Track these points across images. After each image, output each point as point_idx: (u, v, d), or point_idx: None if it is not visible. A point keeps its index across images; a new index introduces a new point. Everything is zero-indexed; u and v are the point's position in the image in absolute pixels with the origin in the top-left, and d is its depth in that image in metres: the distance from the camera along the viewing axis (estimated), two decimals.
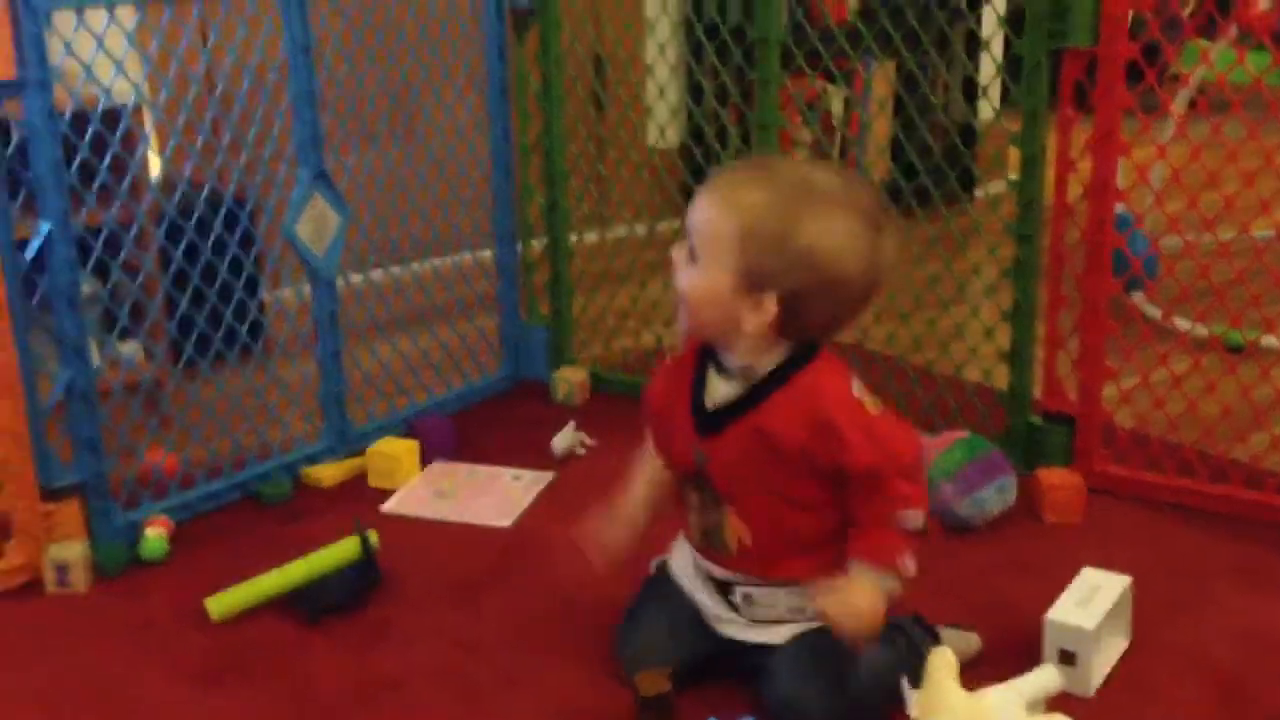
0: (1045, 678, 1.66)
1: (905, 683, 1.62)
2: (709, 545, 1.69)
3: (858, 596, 1.57)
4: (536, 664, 1.82)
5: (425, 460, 2.42)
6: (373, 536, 2.03)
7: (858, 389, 1.59)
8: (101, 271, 2.23)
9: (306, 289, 2.41)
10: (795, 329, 1.56)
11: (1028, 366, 2.35)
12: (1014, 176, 2.27)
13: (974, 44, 4.00)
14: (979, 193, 3.97)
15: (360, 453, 2.41)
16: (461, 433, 2.52)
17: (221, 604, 1.93)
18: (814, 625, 1.66)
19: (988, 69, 4.03)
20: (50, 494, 2.04)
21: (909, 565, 1.59)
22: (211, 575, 2.01)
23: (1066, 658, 1.74)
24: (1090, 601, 1.79)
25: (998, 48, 2.37)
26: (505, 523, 2.22)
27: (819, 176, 1.57)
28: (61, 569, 2.00)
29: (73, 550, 2.01)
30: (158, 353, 2.48)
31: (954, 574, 2.04)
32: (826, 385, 1.57)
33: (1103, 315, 2.25)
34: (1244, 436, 2.34)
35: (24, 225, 2.01)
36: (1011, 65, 2.27)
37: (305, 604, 1.94)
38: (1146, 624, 1.86)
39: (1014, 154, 2.27)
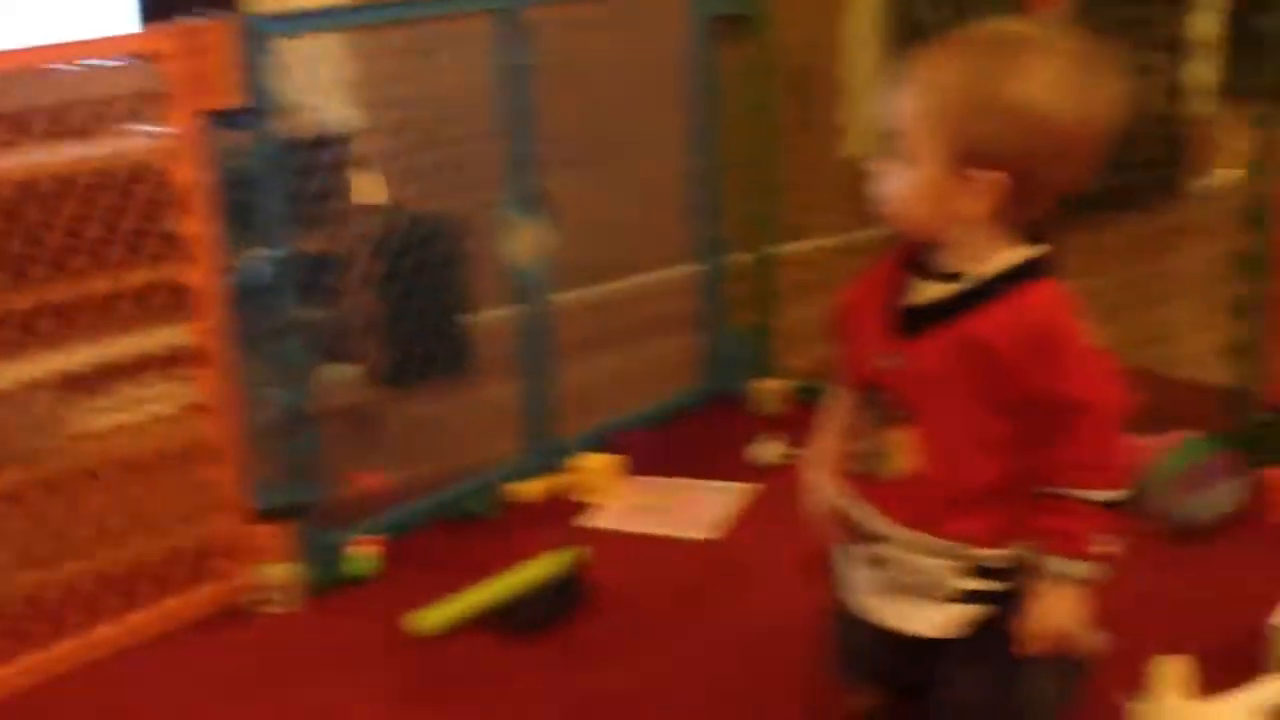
0: (1276, 688, 1.57)
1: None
2: (868, 471, 1.51)
3: (1053, 610, 1.43)
4: (750, 684, 1.79)
5: (629, 474, 2.43)
6: (577, 553, 2.04)
7: (1082, 321, 1.43)
8: (317, 297, 2.29)
9: (512, 309, 2.44)
10: (1024, 203, 1.41)
11: (1255, 361, 2.22)
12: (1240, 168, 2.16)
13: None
14: (1193, 186, 3.81)
15: (564, 469, 2.43)
16: (664, 446, 2.52)
17: (426, 621, 1.97)
18: (964, 613, 1.49)
19: (1201, 61, 3.90)
20: (263, 515, 2.10)
21: (1102, 546, 1.41)
22: (419, 592, 2.04)
23: None
24: None
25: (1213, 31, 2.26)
26: (710, 536, 2.21)
27: (1013, 29, 1.44)
28: (271, 590, 2.06)
29: (283, 571, 2.07)
30: (372, 376, 2.54)
31: (1176, 577, 1.96)
32: (1051, 303, 1.42)
33: None
34: None
35: (243, 251, 2.06)
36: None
37: (509, 620, 1.95)
38: None
39: (1231, 143, 2.17)
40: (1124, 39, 2.36)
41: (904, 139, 1.43)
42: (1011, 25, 1.46)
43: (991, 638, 1.49)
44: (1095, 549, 1.42)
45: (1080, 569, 1.42)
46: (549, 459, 2.47)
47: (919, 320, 1.46)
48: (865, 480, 1.52)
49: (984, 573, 1.47)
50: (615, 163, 2.62)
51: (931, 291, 1.47)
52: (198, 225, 1.96)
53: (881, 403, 1.49)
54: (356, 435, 2.36)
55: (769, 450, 2.44)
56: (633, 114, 2.60)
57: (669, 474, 2.44)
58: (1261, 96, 2.13)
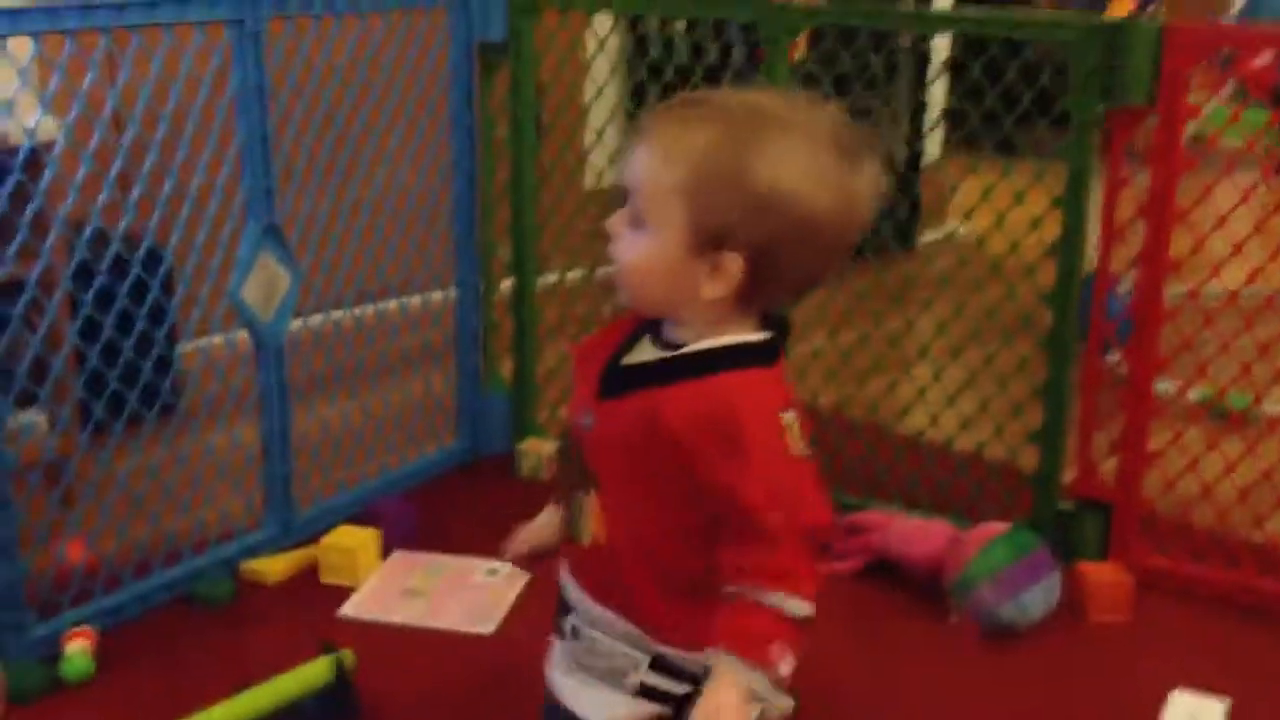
0: None
1: None
2: (570, 533, 1.38)
3: (715, 712, 1.22)
4: None
5: (386, 550, 2.11)
6: (347, 656, 1.73)
7: (790, 418, 1.28)
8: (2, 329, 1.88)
9: (235, 337, 2.10)
10: (765, 290, 1.29)
11: (1060, 447, 2.14)
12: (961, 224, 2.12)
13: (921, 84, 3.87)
14: (924, 238, 3.86)
15: (308, 540, 2.09)
16: (424, 516, 2.22)
17: None
18: (628, 709, 1.34)
19: (934, 109, 3.93)
20: None
21: (784, 662, 1.25)
22: (146, 699, 1.71)
23: None
24: None
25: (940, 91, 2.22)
26: (488, 629, 1.93)
27: (771, 102, 1.30)
28: None
29: None
30: (64, 420, 2.13)
31: (998, 684, 1.85)
32: (742, 392, 1.28)
33: (1147, 395, 2.06)
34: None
35: None
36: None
37: None
38: None
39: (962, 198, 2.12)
40: (854, 94, 2.30)
41: (642, 203, 1.28)
42: (768, 99, 1.30)
43: None
44: (773, 659, 1.24)
45: (752, 676, 1.24)
46: (290, 530, 2.12)
47: (620, 382, 1.33)
48: (568, 543, 1.38)
49: (663, 668, 1.31)
50: (374, 190, 2.30)
51: (644, 355, 1.33)
52: None
53: (579, 463, 1.35)
54: (52, 494, 1.96)
55: None
56: (388, 136, 2.30)
57: (430, 549, 2.14)
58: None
